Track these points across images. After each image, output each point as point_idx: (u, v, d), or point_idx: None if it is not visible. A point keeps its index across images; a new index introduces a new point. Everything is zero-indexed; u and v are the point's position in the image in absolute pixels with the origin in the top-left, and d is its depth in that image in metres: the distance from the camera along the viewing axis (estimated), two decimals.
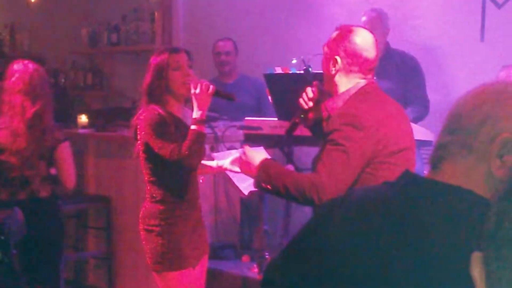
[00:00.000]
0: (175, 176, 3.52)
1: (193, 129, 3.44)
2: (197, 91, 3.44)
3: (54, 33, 7.89)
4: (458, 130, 1.36)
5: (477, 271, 0.93)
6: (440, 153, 1.38)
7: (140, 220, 3.60)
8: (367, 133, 2.77)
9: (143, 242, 3.59)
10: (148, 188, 3.58)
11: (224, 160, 3.78)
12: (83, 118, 5.86)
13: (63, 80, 7.67)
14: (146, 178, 3.59)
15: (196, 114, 3.45)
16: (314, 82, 3.19)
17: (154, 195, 3.55)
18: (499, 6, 4.96)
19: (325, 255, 1.42)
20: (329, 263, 1.41)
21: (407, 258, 1.30)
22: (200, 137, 3.43)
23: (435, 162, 1.38)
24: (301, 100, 3.22)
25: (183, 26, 6.83)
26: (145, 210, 3.58)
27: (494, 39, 4.96)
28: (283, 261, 1.55)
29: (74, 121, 5.94)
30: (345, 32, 2.98)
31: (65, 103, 6.76)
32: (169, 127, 3.45)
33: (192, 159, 3.41)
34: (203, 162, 3.86)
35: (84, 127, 5.84)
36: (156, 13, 6.98)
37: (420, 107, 4.77)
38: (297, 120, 3.27)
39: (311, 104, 3.20)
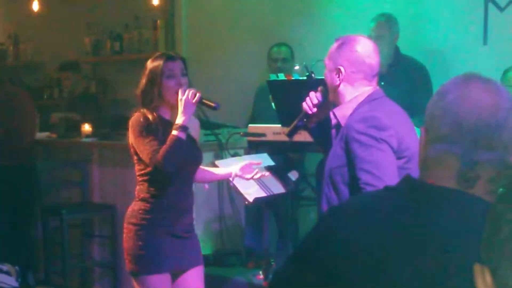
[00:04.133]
0: (162, 179, 3.52)
1: (172, 135, 3.44)
2: (184, 97, 3.45)
3: (57, 42, 7.90)
4: (497, 146, 1.34)
5: (482, 283, 0.93)
6: (476, 171, 1.34)
7: (124, 219, 3.60)
8: (390, 131, 2.83)
9: (124, 240, 3.58)
10: (137, 188, 3.59)
11: (233, 167, 3.79)
12: (87, 127, 5.86)
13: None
14: (137, 179, 3.60)
15: (178, 120, 3.45)
16: (319, 88, 3.21)
17: (140, 194, 3.56)
18: (501, 9, 4.96)
19: (332, 261, 1.41)
20: (336, 270, 1.40)
21: (415, 265, 1.29)
22: (177, 143, 3.42)
23: (470, 180, 1.35)
24: (305, 105, 3.23)
25: (186, 33, 6.84)
26: (130, 208, 3.59)
27: (497, 42, 4.95)
28: (289, 268, 1.55)
29: (78, 130, 5.94)
30: (346, 42, 3.03)
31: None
32: (155, 131, 3.46)
33: (167, 164, 3.40)
34: (206, 168, 3.86)
35: (88, 136, 5.84)
36: (158, 21, 7.00)
37: None
38: (299, 124, 3.28)
39: (315, 110, 3.21)
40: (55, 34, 7.93)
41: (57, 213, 5.42)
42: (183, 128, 3.44)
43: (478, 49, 5.01)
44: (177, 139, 3.42)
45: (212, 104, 3.58)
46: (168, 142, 3.41)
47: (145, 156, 3.44)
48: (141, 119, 3.47)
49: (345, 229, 1.44)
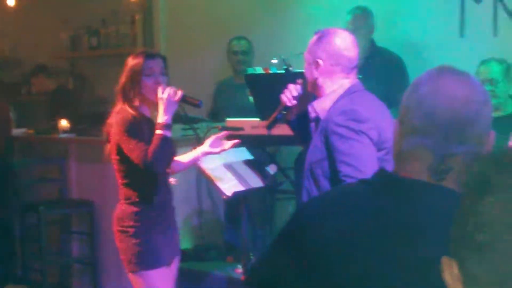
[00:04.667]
0: (147, 177, 3.51)
1: (158, 134, 3.43)
2: (164, 96, 3.43)
3: (34, 37, 7.83)
4: (469, 139, 1.34)
5: (449, 276, 0.93)
6: (448, 164, 1.34)
7: (114, 222, 3.59)
8: (370, 124, 2.85)
9: (118, 243, 3.58)
10: (122, 190, 3.58)
11: (201, 147, 3.78)
12: (64, 123, 5.82)
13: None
14: (119, 181, 3.58)
15: (161, 119, 3.44)
16: (298, 80, 3.21)
17: (128, 197, 3.55)
18: (478, 1, 4.97)
19: (307, 254, 1.41)
20: (311, 263, 1.40)
21: (386, 257, 1.29)
22: (165, 141, 3.42)
23: (441, 173, 1.35)
24: (283, 97, 3.22)
25: (164, 28, 6.81)
26: (120, 212, 3.57)
27: (474, 34, 4.97)
28: (265, 261, 1.55)
29: (55, 126, 5.90)
30: (325, 35, 3.04)
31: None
32: (142, 129, 3.45)
33: (157, 164, 3.41)
34: (177, 159, 3.83)
35: (65, 132, 5.79)
36: (136, 16, 6.96)
37: None
38: (278, 116, 3.28)
39: (294, 102, 3.21)
40: (32, 29, 7.86)
41: (35, 209, 5.39)
42: (168, 126, 3.44)
43: (455, 42, 5.03)
44: (164, 138, 3.42)
45: (195, 102, 3.59)
46: (155, 142, 3.40)
47: (135, 158, 3.42)
48: (130, 118, 3.45)
49: (319, 222, 1.43)
